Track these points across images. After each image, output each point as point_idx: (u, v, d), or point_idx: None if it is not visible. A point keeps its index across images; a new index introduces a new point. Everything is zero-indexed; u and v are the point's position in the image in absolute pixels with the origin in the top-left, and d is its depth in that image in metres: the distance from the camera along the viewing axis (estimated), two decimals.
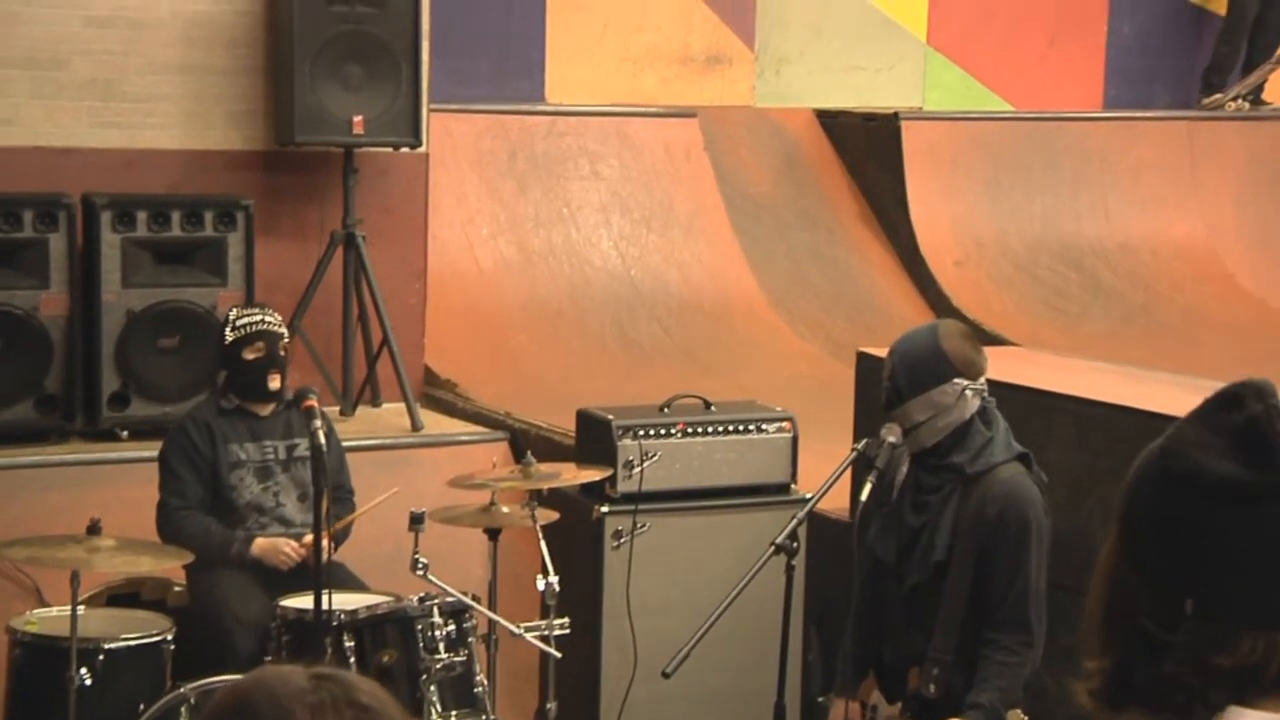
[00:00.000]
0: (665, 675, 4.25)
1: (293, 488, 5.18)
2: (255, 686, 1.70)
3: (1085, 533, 4.80)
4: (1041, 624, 3.96)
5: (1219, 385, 1.74)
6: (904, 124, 9.19)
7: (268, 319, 5.26)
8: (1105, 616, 1.64)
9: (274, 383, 5.19)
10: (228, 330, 5.25)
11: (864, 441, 4.29)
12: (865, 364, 5.69)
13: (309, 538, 5.00)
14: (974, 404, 4.00)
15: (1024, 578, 3.93)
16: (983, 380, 4.05)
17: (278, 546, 5.02)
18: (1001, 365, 5.59)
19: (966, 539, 3.96)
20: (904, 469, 4.11)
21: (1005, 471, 3.97)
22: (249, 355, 5.18)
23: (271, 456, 5.19)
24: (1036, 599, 3.95)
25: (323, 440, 4.46)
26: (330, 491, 5.10)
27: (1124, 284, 9.24)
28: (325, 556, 4.78)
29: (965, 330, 4.17)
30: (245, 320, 5.24)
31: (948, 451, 4.01)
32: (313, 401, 4.60)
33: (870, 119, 9.25)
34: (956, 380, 3.99)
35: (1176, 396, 5.22)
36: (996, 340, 8.13)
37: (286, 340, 5.31)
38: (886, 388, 4.10)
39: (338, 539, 5.11)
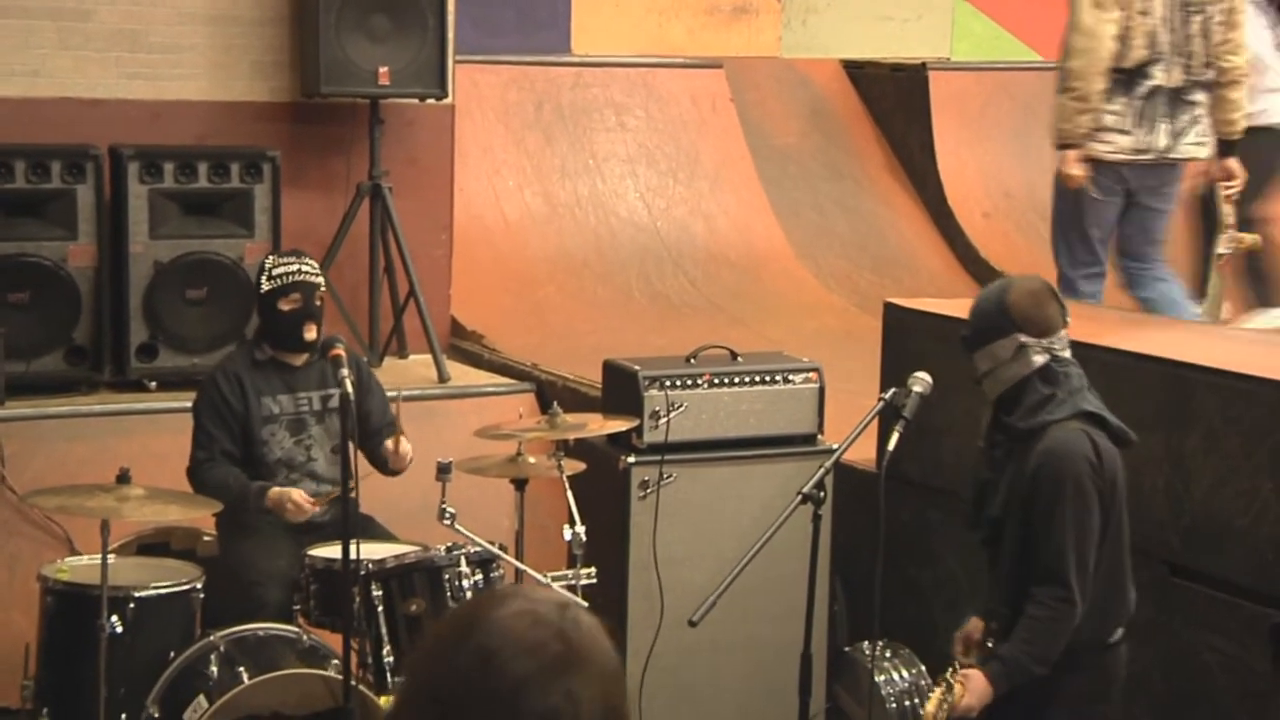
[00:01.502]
0: (692, 624, 4.26)
1: (326, 440, 5.15)
2: (480, 619, 1.73)
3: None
4: (1084, 581, 3.91)
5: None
6: (932, 74, 9.14)
7: (304, 268, 5.18)
8: None
9: (310, 333, 5.13)
10: (263, 279, 5.17)
11: (891, 391, 4.29)
12: (892, 315, 5.68)
13: (327, 490, 5.02)
14: (1035, 360, 3.98)
15: (1058, 533, 3.90)
16: (1052, 338, 4.00)
17: (288, 496, 4.97)
18: None
19: (1015, 497, 3.98)
20: (984, 420, 4.12)
21: (1056, 430, 3.94)
22: (284, 306, 5.13)
23: (306, 408, 5.16)
24: (1077, 556, 3.90)
25: (350, 389, 4.46)
26: (384, 430, 5.15)
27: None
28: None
29: (1039, 287, 4.09)
30: (281, 270, 5.16)
31: (1008, 408, 4.02)
32: (340, 350, 4.60)
33: (898, 69, 9.21)
34: (1017, 335, 3.98)
35: (1202, 344, 5.20)
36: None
37: (323, 289, 5.23)
38: (961, 336, 4.14)
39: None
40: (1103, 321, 5.58)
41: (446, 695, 1.70)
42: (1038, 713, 4.01)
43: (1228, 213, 6.39)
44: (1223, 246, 6.44)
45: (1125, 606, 4.05)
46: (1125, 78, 5.88)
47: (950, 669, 4.03)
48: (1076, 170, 5.99)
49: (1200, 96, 6.02)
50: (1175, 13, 5.93)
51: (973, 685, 3.95)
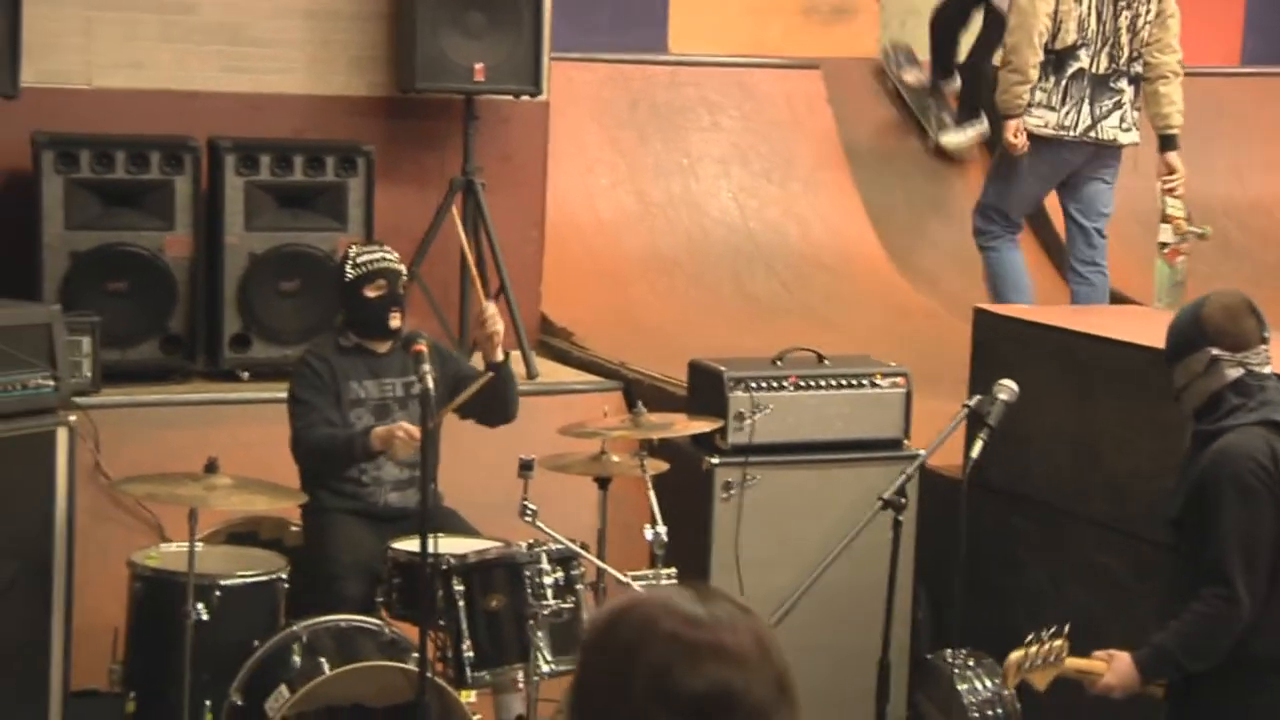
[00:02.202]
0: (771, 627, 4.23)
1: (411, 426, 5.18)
2: (629, 609, 1.75)
3: None
4: (1254, 583, 3.79)
5: None
6: None
7: (388, 256, 5.24)
8: None
9: (395, 320, 5.18)
10: (347, 267, 5.22)
11: (975, 399, 4.26)
12: (982, 320, 5.63)
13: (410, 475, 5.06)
14: (1229, 374, 3.92)
15: (1222, 531, 3.80)
16: (1247, 353, 3.94)
17: (395, 429, 4.95)
18: (1121, 324, 5.52)
19: (1190, 501, 3.92)
20: (1186, 438, 4.06)
21: (1233, 434, 3.88)
22: (370, 293, 5.18)
23: (390, 394, 5.20)
24: (1243, 556, 3.79)
25: (431, 384, 4.48)
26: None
27: (1255, 243, 9.04)
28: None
29: (1235, 302, 4.03)
30: (366, 258, 5.22)
31: (1202, 418, 3.97)
32: (421, 346, 4.62)
33: (998, 69, 9.10)
34: (1210, 349, 3.94)
35: None
36: (1123, 300, 7.99)
37: (406, 278, 5.29)
38: (1164, 352, 4.08)
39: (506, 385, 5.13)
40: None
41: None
42: None
43: (1170, 204, 6.63)
44: (1164, 236, 6.66)
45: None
46: (1055, 59, 6.35)
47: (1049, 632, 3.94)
48: (1017, 139, 6.44)
49: (1124, 85, 6.46)
50: (1105, 4, 6.38)
51: (1117, 665, 3.88)
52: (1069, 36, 6.33)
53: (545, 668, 4.69)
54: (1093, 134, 6.42)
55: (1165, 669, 3.88)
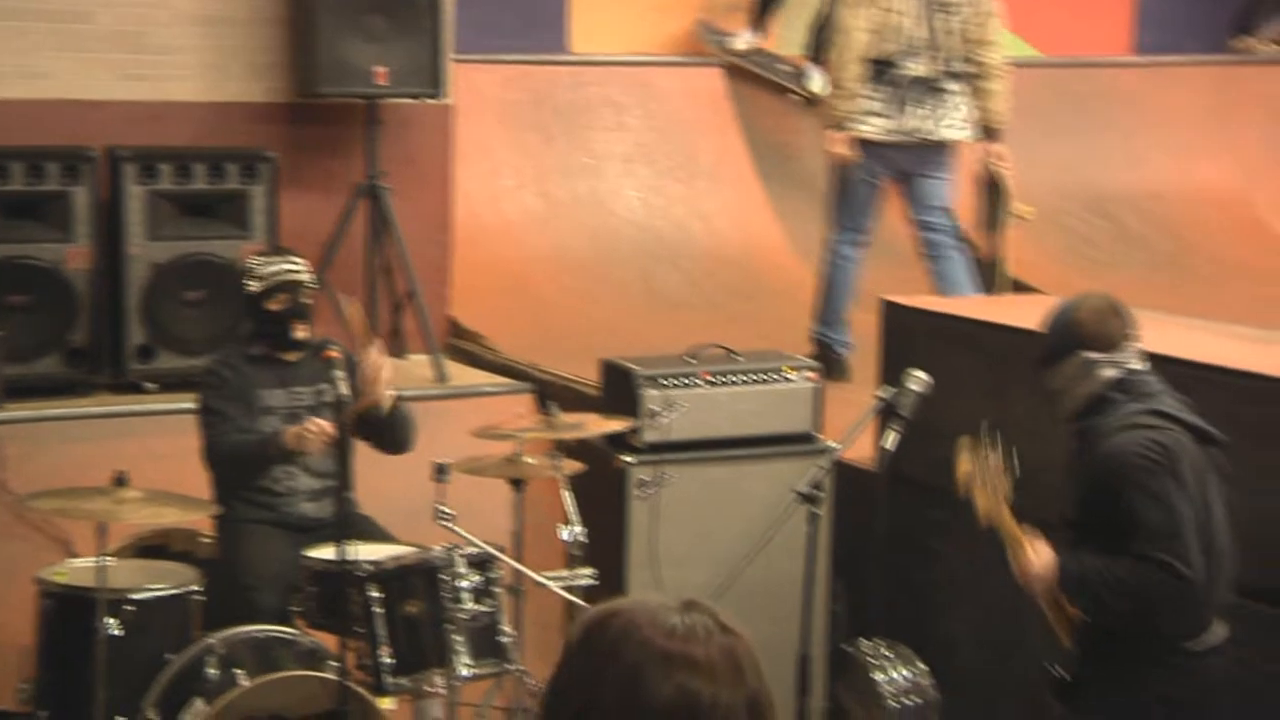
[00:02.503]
0: None
1: None
2: (615, 613, 1.80)
3: None
4: (1193, 555, 3.78)
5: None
6: None
7: (288, 266, 5.16)
8: None
9: (300, 332, 5.13)
10: (249, 280, 5.16)
11: (889, 390, 4.28)
12: (890, 312, 5.67)
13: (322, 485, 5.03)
14: (1106, 374, 3.96)
15: (1144, 527, 3.79)
16: (1118, 353, 3.98)
17: (305, 428, 4.92)
18: (1033, 315, 5.56)
19: (1092, 499, 3.92)
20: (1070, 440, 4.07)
21: (1119, 435, 3.89)
22: (272, 306, 5.13)
23: (300, 403, 5.16)
24: (1170, 537, 3.78)
25: (345, 390, 4.44)
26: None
27: (1153, 231, 9.17)
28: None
29: (1102, 303, 4.08)
30: (267, 269, 5.15)
31: (1086, 418, 3.99)
32: (334, 352, 4.59)
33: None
34: (1083, 353, 3.98)
35: (1205, 342, 5.19)
36: (1023, 289, 8.08)
37: (312, 286, 5.20)
38: (1034, 360, 4.10)
39: (398, 427, 5.09)
40: None
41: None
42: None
43: (1008, 189, 7.07)
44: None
45: (1210, 611, 3.90)
46: (881, 68, 6.59)
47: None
48: (840, 149, 6.76)
49: (954, 86, 6.68)
50: (926, 11, 6.62)
51: (1044, 556, 3.87)
52: (889, 46, 6.59)
53: (464, 672, 4.67)
54: (919, 134, 6.66)
55: (1080, 585, 3.85)
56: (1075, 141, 9.34)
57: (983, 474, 3.89)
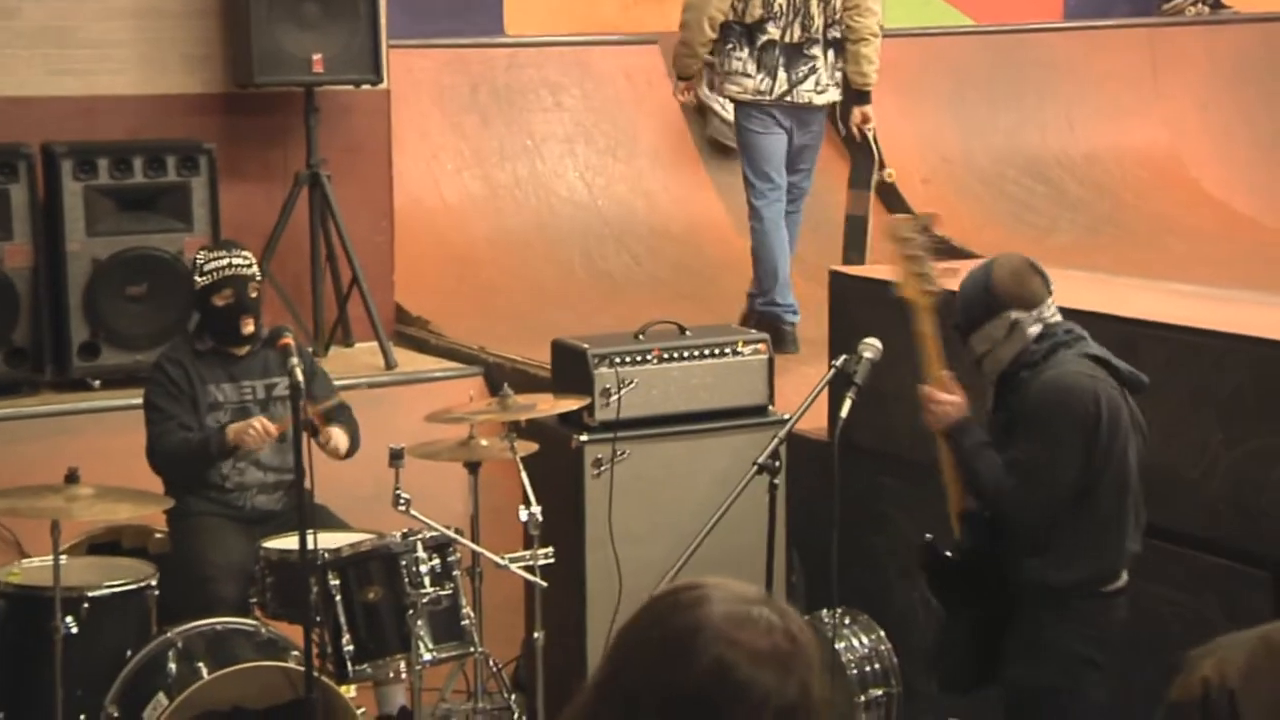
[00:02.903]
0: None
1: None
2: (693, 586, 1.83)
3: None
4: (1041, 495, 3.96)
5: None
6: None
7: (235, 260, 5.14)
8: None
9: (247, 327, 5.11)
10: (196, 275, 5.16)
11: (842, 359, 4.30)
12: (838, 283, 5.69)
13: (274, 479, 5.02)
14: (1031, 331, 4.04)
15: (1036, 442, 3.95)
16: (1041, 307, 4.06)
17: (248, 425, 4.95)
18: None
19: (1012, 431, 4.05)
20: (989, 399, 4.15)
21: (1060, 368, 4.00)
22: (218, 301, 5.11)
23: (250, 397, 5.14)
24: (1049, 471, 3.94)
25: (300, 378, 4.43)
26: (337, 411, 5.17)
27: (1090, 194, 9.25)
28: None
29: (1020, 264, 4.15)
30: (212, 265, 5.14)
31: (1017, 374, 4.06)
32: (288, 340, 4.56)
33: None
34: (1009, 313, 4.04)
35: (1146, 299, 5.24)
36: (965, 255, 8.13)
37: (259, 279, 5.20)
38: (953, 325, 4.16)
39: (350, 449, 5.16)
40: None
41: (678, 709, 1.76)
42: (1030, 661, 4.02)
43: (876, 150, 7.39)
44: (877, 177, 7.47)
45: (1122, 556, 4.04)
46: (746, 31, 6.79)
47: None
48: (683, 96, 7.42)
49: (818, 51, 6.83)
50: None
51: (957, 394, 4.04)
52: (756, 11, 6.74)
53: (426, 656, 4.67)
54: (789, 98, 6.80)
55: (970, 450, 4.01)
56: (1012, 108, 9.40)
57: (910, 259, 4.07)
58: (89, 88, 6.59)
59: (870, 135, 7.17)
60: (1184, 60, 9.86)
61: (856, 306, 5.42)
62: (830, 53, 6.86)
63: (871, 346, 4.29)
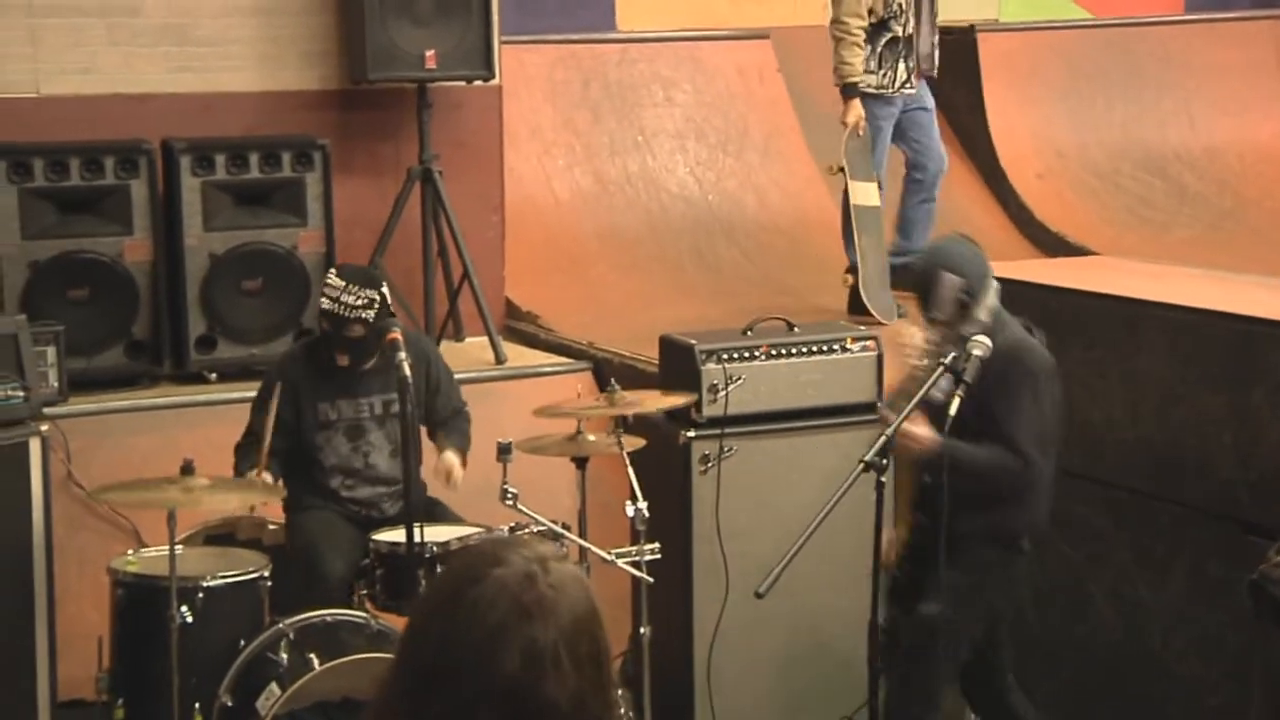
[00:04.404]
0: (759, 596, 4.26)
1: (386, 444, 5.11)
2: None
3: (1177, 442, 4.75)
4: (1042, 459, 4.45)
5: None
6: (980, 36, 9.07)
7: (344, 299, 4.97)
8: None
9: (342, 361, 5.03)
10: (324, 298, 5.05)
11: (951, 356, 4.27)
12: None
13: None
14: (991, 302, 4.49)
15: (1022, 410, 4.41)
16: (990, 280, 4.53)
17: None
18: (1087, 275, 5.54)
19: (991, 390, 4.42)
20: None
21: (1019, 340, 4.49)
22: (324, 325, 5.06)
23: (366, 414, 5.11)
24: (1037, 434, 4.42)
25: (408, 372, 4.45)
26: (451, 418, 5.19)
27: (1210, 189, 9.09)
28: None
29: (971, 241, 4.66)
30: (329, 291, 5.02)
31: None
32: (396, 334, 4.59)
33: (946, 32, 9.08)
34: (990, 280, 4.53)
35: (1268, 298, 5.14)
36: (1081, 251, 8.03)
37: (367, 320, 4.97)
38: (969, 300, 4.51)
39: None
40: (1166, 278, 5.53)
41: (431, 654, 1.83)
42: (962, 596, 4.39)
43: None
44: None
45: (1038, 517, 4.51)
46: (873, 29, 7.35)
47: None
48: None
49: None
50: None
51: (923, 427, 4.31)
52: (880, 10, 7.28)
53: None
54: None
55: (967, 459, 4.35)
56: (1129, 102, 9.27)
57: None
58: (208, 84, 6.69)
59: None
60: None
61: None
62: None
63: (981, 344, 4.26)
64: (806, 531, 4.18)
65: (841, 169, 7.34)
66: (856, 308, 7.25)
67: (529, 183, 7.93)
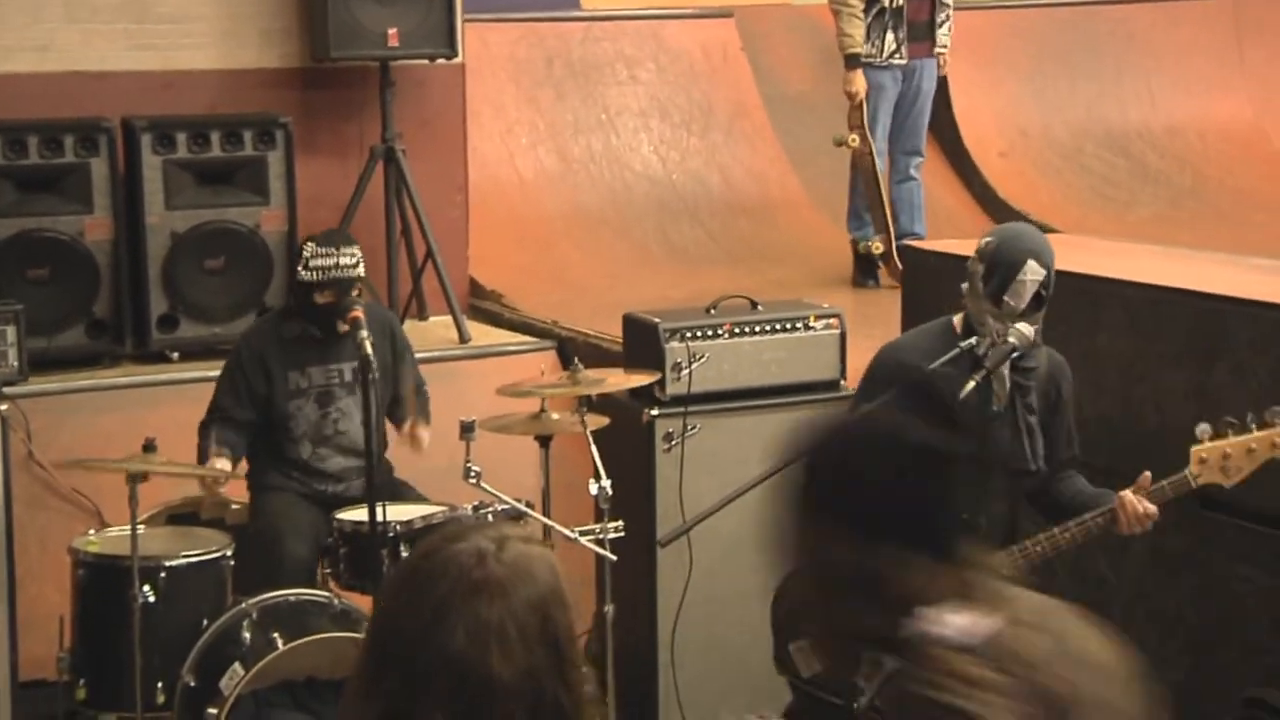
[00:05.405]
0: (660, 545, 4.33)
1: (356, 411, 5.10)
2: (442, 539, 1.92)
3: (1137, 418, 4.77)
4: None
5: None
6: None
7: (341, 261, 5.02)
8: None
9: (343, 328, 5.00)
10: (300, 268, 5.06)
11: (974, 340, 4.14)
12: (911, 258, 5.66)
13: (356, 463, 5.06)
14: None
15: (1071, 424, 4.40)
16: None
17: (214, 483, 4.98)
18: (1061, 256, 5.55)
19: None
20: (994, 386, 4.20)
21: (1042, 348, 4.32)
22: (320, 299, 5.05)
23: (336, 380, 5.12)
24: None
25: (369, 351, 4.45)
26: (413, 392, 5.18)
27: (1172, 168, 9.14)
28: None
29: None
30: (319, 262, 5.03)
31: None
32: (358, 312, 4.58)
33: None
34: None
35: (1229, 275, 5.17)
36: (1044, 229, 8.05)
37: (363, 278, 5.06)
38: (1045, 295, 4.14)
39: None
40: (1128, 255, 5.55)
41: (392, 629, 1.87)
42: None
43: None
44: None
45: None
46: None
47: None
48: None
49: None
50: None
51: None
52: None
53: None
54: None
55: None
56: (1091, 81, 9.30)
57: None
58: (167, 62, 6.65)
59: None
60: (1269, 31, 9.70)
61: (929, 281, 5.38)
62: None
63: (1021, 334, 4.08)
64: (727, 496, 4.21)
65: (851, 141, 7.46)
66: (867, 272, 7.57)
67: (493, 162, 7.92)
